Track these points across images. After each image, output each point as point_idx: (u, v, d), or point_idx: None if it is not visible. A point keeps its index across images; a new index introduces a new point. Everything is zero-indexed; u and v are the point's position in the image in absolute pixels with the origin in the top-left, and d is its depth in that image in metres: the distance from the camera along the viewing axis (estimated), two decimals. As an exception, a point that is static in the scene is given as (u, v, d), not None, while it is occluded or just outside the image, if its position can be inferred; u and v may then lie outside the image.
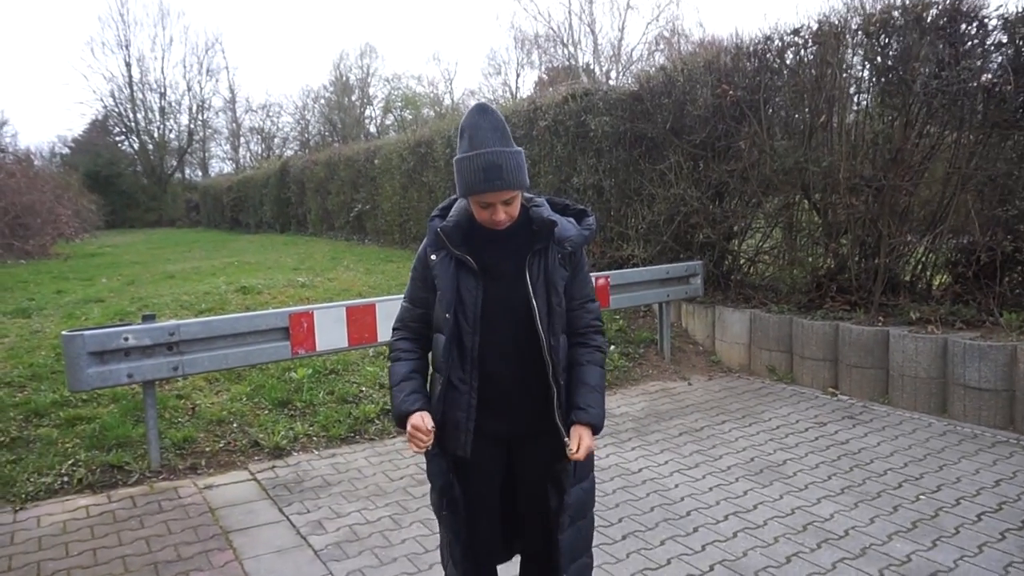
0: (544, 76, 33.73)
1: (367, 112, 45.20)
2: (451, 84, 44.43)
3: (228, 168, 42.98)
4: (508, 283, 2.03)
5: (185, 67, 50.63)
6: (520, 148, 1.99)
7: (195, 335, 4.24)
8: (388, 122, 44.84)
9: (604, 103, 7.45)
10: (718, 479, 4.02)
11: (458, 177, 1.97)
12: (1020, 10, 4.99)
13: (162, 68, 44.40)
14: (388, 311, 4.75)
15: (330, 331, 4.62)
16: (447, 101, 43.95)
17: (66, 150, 41.04)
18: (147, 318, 4.23)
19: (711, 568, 3.05)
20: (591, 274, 2.30)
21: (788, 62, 6.26)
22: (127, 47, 40.28)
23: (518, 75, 40.86)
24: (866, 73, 5.97)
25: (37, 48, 59.67)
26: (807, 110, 6.11)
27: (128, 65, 40.03)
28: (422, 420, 1.98)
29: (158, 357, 4.14)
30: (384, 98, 45.28)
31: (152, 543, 3.37)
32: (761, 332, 6.29)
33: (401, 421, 2.05)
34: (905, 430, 4.76)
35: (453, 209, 2.10)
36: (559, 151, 8.10)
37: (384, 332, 4.75)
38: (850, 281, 6.05)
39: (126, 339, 4.02)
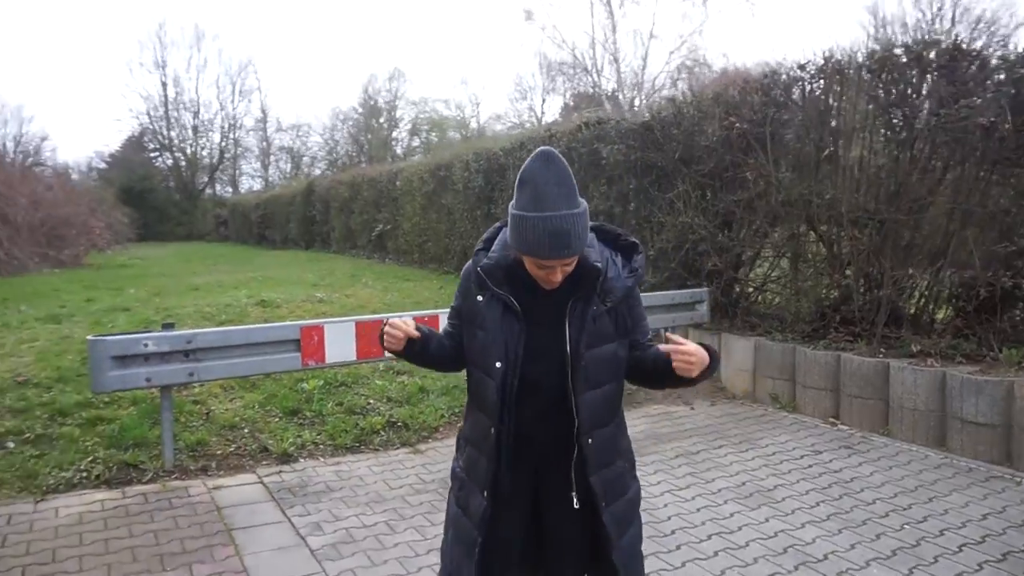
0: (570, 102, 34.12)
1: (394, 134, 46.02)
2: (478, 108, 45.19)
3: (258, 185, 43.98)
4: (548, 329, 1.91)
5: (218, 87, 51.85)
6: (584, 204, 1.83)
7: (211, 344, 4.46)
8: (415, 144, 45.62)
9: (616, 132, 7.65)
10: (707, 500, 4.12)
11: (517, 235, 1.81)
12: (1020, 51, 5.10)
13: (196, 88, 45.49)
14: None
15: (339, 344, 4.81)
16: (473, 125, 44.62)
17: (103, 165, 42.35)
18: (166, 326, 4.47)
19: (689, 583, 3.17)
20: None
21: (794, 96, 6.42)
22: (163, 67, 41.61)
23: (543, 100, 41.29)
24: (872, 108, 6.11)
25: (79, 67, 61.87)
26: (812, 143, 6.25)
27: (164, 85, 41.36)
28: (401, 320, 2.00)
29: (175, 363, 4.37)
30: (411, 120, 46.11)
31: (160, 536, 3.56)
32: (765, 360, 6.37)
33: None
34: (900, 461, 4.81)
35: (496, 243, 1.98)
36: (573, 177, 8.29)
37: (391, 347, 4.94)
38: (853, 312, 6.13)
39: (146, 345, 4.26)
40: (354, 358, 4.91)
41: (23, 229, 16.44)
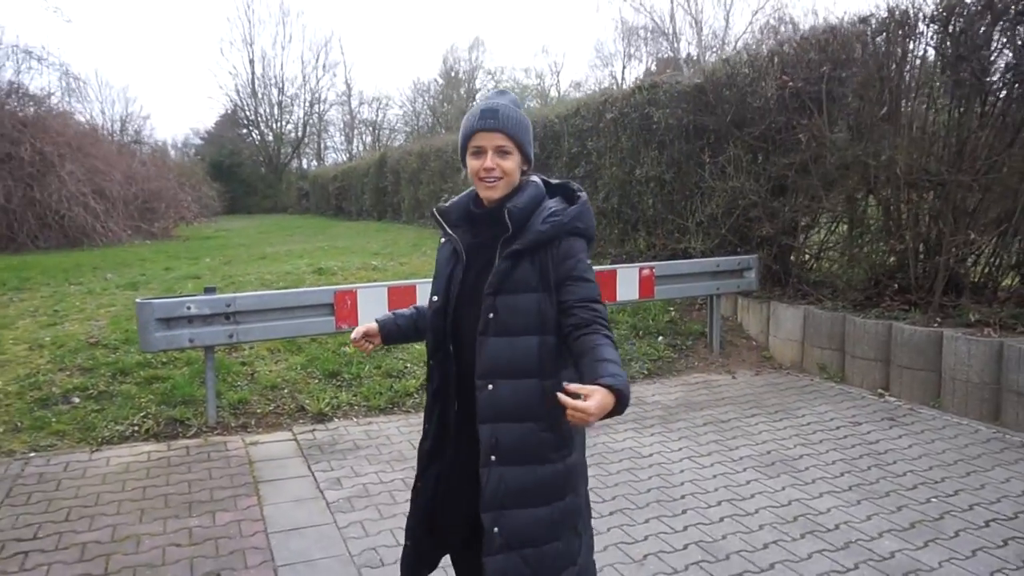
0: (652, 68, 33.22)
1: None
2: (558, 76, 44.57)
3: (342, 158, 45.10)
4: (478, 273, 1.93)
5: (303, 63, 53.22)
6: (528, 120, 1.95)
7: (249, 307, 4.70)
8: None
9: (667, 96, 7.45)
10: (725, 468, 4.07)
11: (460, 132, 1.96)
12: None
13: (281, 64, 46.93)
14: (427, 292, 5.05)
15: (372, 309, 4.96)
16: (553, 93, 44.14)
17: (199, 141, 44.54)
18: (208, 290, 4.73)
19: (685, 547, 3.15)
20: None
21: (855, 53, 6.06)
22: (251, 45, 43.05)
23: (624, 67, 40.30)
24: (938, 62, 5.71)
25: (177, 46, 64.93)
26: (871, 102, 5.90)
27: (251, 62, 42.78)
28: (355, 332, 2.20)
29: (216, 325, 4.63)
30: (490, 90, 46.02)
31: (193, 486, 3.83)
32: (814, 329, 6.16)
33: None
34: (946, 435, 4.59)
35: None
36: (624, 143, 8.15)
37: (422, 312, 5.06)
38: (909, 280, 5.82)
39: (189, 308, 4.53)
40: (387, 322, 5.06)
41: (118, 203, 17.52)
